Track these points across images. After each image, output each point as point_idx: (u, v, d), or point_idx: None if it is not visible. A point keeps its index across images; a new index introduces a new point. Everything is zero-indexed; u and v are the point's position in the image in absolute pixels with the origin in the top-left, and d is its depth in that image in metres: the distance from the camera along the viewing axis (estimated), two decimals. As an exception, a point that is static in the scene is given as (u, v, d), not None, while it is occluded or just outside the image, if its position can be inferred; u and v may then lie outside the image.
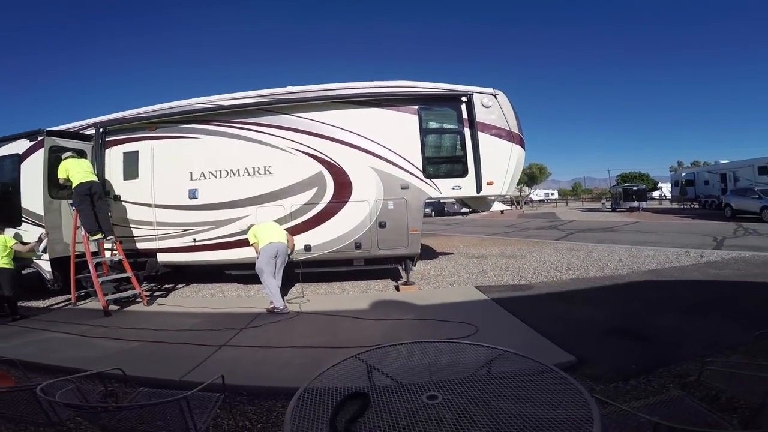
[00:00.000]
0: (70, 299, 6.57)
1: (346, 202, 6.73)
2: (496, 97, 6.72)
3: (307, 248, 6.80)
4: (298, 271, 6.99)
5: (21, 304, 6.59)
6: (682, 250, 9.35)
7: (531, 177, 41.21)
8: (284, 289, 7.10)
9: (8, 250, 6.23)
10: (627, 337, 4.05)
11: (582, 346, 3.89)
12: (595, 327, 4.40)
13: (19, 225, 6.82)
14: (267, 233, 5.90)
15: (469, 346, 2.32)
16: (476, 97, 6.65)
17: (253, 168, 6.90)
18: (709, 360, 2.60)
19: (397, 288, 6.91)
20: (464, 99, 6.63)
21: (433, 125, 6.79)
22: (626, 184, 31.81)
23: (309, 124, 6.77)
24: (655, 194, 43.39)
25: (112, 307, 6.38)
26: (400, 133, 6.68)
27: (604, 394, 2.96)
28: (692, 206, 26.23)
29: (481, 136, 6.62)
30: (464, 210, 31.67)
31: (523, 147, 7.07)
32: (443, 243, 13.11)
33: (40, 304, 7.15)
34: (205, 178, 7.03)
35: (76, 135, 7.27)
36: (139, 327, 5.42)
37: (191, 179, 7.06)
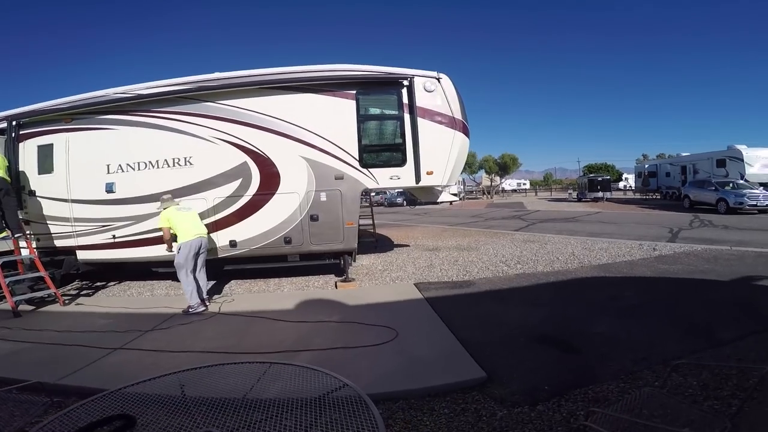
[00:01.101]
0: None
1: (274, 194, 5.88)
2: (439, 81, 5.91)
3: (233, 244, 5.97)
4: (228, 268, 6.25)
5: None
6: (637, 242, 8.79)
7: (503, 167, 40.57)
8: (216, 287, 6.34)
9: None
10: (554, 347, 3.33)
11: (501, 357, 3.19)
12: (524, 333, 3.68)
13: None
14: (187, 225, 5.09)
15: (310, 372, 1.92)
16: (418, 81, 5.83)
17: (173, 159, 5.99)
18: (592, 410, 1.92)
19: (336, 285, 6.15)
20: (405, 83, 5.80)
21: (371, 111, 5.94)
22: (591, 175, 31.37)
23: (234, 112, 5.87)
24: (621, 185, 43.27)
25: (25, 307, 5.54)
26: (335, 120, 5.82)
27: (506, 422, 2.28)
28: (654, 197, 25.85)
29: (421, 122, 5.83)
30: (457, 198, 31.15)
31: (467, 135, 6.30)
32: (403, 234, 12.36)
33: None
34: (123, 171, 6.09)
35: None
36: (44, 329, 4.70)
37: (108, 172, 6.12)
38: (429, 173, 5.95)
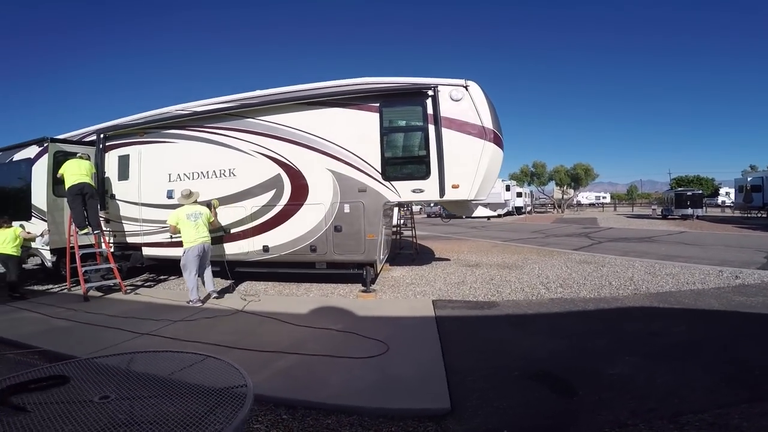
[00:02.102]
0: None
1: (303, 204, 6.08)
2: (467, 89, 5.63)
3: (266, 249, 6.27)
4: (260, 270, 6.62)
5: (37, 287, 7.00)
6: (717, 268, 7.38)
7: (575, 178, 36.90)
8: (252, 287, 6.73)
9: (17, 240, 6.53)
10: (546, 386, 2.88)
11: (479, 390, 2.87)
12: (522, 366, 3.25)
13: (29, 219, 7.12)
14: (192, 231, 5.67)
15: (233, 370, 1.96)
16: (443, 90, 5.62)
17: (220, 170, 6.53)
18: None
19: (358, 295, 6.09)
20: (429, 93, 5.63)
21: (394, 123, 5.87)
22: (680, 189, 27.13)
23: (270, 127, 6.23)
24: (719, 200, 36.77)
25: (95, 293, 6.44)
26: (359, 133, 5.87)
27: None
28: (759, 215, 21.55)
29: (446, 133, 5.59)
30: (496, 212, 29.58)
31: (499, 145, 5.90)
32: (450, 248, 11.87)
33: (55, 288, 7.39)
34: (180, 180, 6.80)
35: (77, 141, 7.47)
36: (99, 312, 5.41)
37: (169, 180, 6.89)
38: (454, 186, 5.66)
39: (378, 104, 5.75)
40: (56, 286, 7.36)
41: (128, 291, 6.66)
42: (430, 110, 5.62)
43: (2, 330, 4.63)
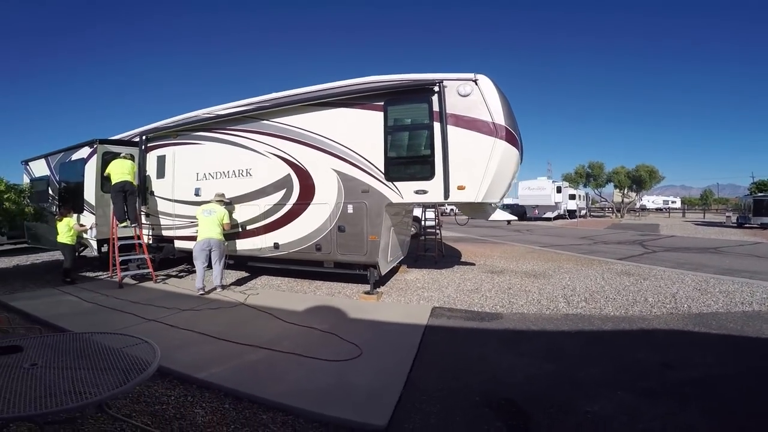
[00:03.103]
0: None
1: (309, 204, 6.08)
2: (476, 83, 5.21)
3: (276, 246, 6.38)
4: (272, 266, 6.80)
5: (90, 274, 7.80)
6: (788, 287, 6.16)
7: (637, 181, 33.11)
8: (265, 280, 6.89)
9: (71, 231, 7.30)
10: (500, 418, 2.49)
11: (424, 412, 2.62)
12: (487, 391, 2.87)
13: (81, 212, 7.91)
14: (202, 227, 6.14)
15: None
16: (450, 86, 5.27)
17: (239, 170, 6.75)
18: None
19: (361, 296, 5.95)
20: (435, 89, 5.30)
21: (397, 122, 5.60)
22: (760, 195, 23.17)
23: (281, 128, 6.31)
24: None
25: (130, 281, 7.05)
26: (362, 132, 5.70)
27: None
28: None
29: (452, 130, 5.24)
30: (547, 215, 27.65)
31: (513, 143, 5.39)
32: (481, 251, 11.25)
33: (102, 275, 8.18)
34: (206, 179, 7.15)
35: (122, 142, 8.15)
36: (125, 299, 5.89)
37: (197, 179, 7.27)
38: (460, 188, 5.28)
39: (382, 103, 5.55)
40: (104, 273, 8.13)
41: (158, 280, 7.15)
42: (435, 107, 5.30)
43: (39, 310, 5.19)
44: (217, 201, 6.40)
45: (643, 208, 41.38)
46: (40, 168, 9.60)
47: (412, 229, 13.14)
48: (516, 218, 10.02)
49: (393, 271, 7.73)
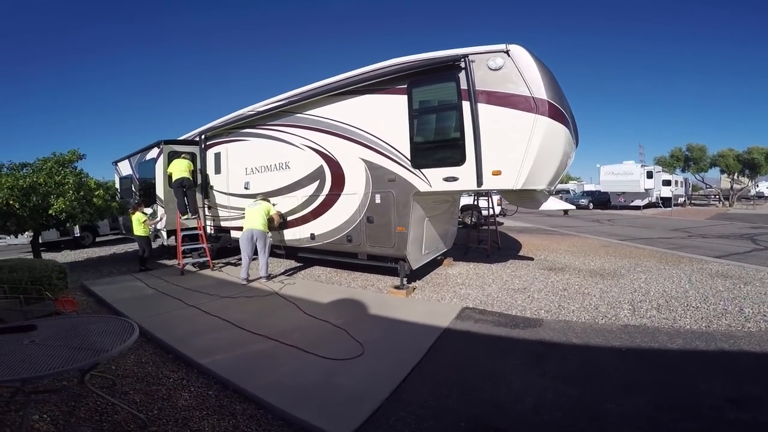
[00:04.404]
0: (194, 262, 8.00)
1: (341, 194, 5.94)
2: (508, 54, 4.49)
3: (312, 237, 6.44)
4: (312, 256, 6.89)
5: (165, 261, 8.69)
6: None
7: (750, 165, 26.78)
8: (306, 272, 6.99)
9: (143, 224, 8.17)
10: None
11: (398, 430, 2.20)
12: (479, 417, 2.37)
13: (154, 206, 8.80)
14: (247, 219, 6.29)
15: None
16: (478, 60, 4.62)
17: (279, 163, 6.89)
18: None
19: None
20: (461, 65, 4.67)
21: (423, 104, 5.10)
22: None
23: (311, 120, 6.26)
24: None
25: (191, 268, 7.68)
26: (387, 118, 5.34)
27: None
28: None
29: (483, 109, 4.61)
30: (636, 203, 24.05)
31: (559, 119, 4.56)
32: (544, 244, 10.06)
33: (173, 262, 9.09)
34: (253, 173, 7.45)
35: (185, 142, 8.87)
36: (179, 285, 6.34)
37: (246, 173, 7.62)
38: (495, 173, 4.64)
39: (406, 85, 5.10)
40: (175, 261, 9.03)
41: (216, 268, 7.66)
42: (463, 85, 4.68)
43: (107, 294, 5.80)
44: (261, 200, 6.67)
45: (760, 196, 33.92)
46: (125, 167, 10.99)
47: (470, 219, 12.37)
48: (574, 207, 8.64)
49: (436, 264, 7.26)
